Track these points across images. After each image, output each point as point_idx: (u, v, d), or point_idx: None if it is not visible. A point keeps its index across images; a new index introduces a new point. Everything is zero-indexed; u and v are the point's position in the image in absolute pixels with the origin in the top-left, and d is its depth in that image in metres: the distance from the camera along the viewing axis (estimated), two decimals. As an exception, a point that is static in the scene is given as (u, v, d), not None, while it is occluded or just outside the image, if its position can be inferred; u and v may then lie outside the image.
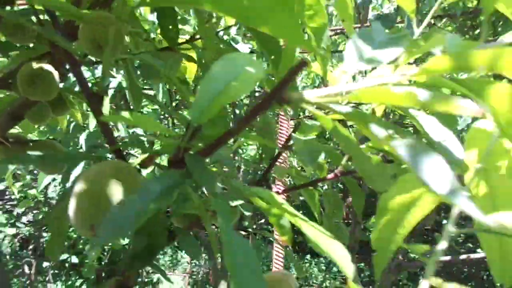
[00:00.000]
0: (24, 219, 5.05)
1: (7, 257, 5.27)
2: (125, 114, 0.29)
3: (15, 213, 4.86)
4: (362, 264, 4.52)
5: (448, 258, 1.90)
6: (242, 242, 0.31)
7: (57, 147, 0.64)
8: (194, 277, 6.21)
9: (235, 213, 0.68)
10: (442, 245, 0.31)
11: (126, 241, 3.89)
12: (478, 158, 0.49)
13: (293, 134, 0.65)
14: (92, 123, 1.57)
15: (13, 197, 4.66)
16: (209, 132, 0.34)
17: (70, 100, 0.85)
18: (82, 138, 1.60)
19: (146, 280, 5.42)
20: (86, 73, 1.79)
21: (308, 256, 6.35)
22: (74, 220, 0.34)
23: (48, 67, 0.57)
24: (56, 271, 5.07)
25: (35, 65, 0.56)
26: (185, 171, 0.32)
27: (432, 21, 2.44)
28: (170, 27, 0.61)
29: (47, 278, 5.02)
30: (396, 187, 0.41)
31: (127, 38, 1.03)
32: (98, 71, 1.76)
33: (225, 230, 0.30)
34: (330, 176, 0.66)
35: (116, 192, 0.33)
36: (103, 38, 0.51)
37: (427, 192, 0.43)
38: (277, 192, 0.69)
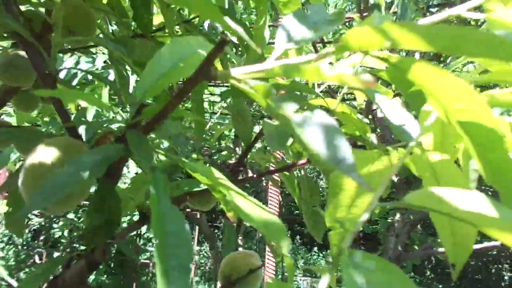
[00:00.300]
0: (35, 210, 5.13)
1: (19, 247, 5.38)
2: (60, 88, 0.31)
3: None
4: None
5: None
6: (175, 213, 0.33)
7: (36, 131, 0.67)
8: (202, 268, 6.27)
9: (212, 199, 0.69)
10: (364, 217, 0.32)
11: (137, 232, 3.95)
12: (434, 140, 0.49)
13: (265, 119, 0.66)
14: (91, 113, 1.60)
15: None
16: (148, 109, 0.35)
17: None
18: (82, 129, 1.62)
19: (154, 271, 5.50)
20: (87, 64, 1.82)
21: (315, 249, 6.36)
22: (22, 192, 0.36)
23: (23, 53, 0.59)
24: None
25: (11, 52, 0.58)
26: (124, 146, 0.33)
27: (435, 10, 2.42)
28: (145, 14, 0.62)
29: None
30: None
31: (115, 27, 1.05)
32: (98, 62, 1.79)
33: (157, 200, 0.32)
34: (302, 161, 0.67)
35: (61, 165, 0.35)
36: (72, 24, 0.52)
37: (375, 171, 0.44)
38: (252, 177, 0.70)
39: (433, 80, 0.32)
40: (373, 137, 0.64)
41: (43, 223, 5.19)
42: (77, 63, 1.78)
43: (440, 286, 4.02)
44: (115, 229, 0.44)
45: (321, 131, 0.24)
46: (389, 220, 2.98)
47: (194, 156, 0.82)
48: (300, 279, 5.97)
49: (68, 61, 1.76)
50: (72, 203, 0.38)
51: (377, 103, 0.57)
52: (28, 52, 0.42)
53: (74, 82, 1.68)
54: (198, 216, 3.17)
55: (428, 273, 4.27)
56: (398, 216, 2.45)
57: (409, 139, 0.50)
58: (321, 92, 0.77)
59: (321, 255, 6.06)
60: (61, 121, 0.41)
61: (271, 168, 1.05)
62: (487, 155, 0.35)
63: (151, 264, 5.34)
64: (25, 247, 5.45)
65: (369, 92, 0.60)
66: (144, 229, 4.63)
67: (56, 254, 5.15)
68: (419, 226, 3.26)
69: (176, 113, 0.34)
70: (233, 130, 3.16)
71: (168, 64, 0.38)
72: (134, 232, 3.97)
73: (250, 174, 0.73)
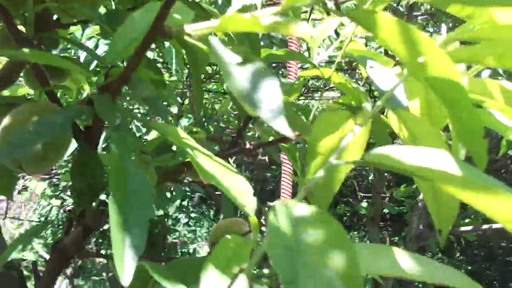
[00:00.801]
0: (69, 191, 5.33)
1: (56, 226, 5.63)
2: (26, 50, 0.32)
3: (61, 186, 5.16)
4: (396, 238, 4.47)
5: (469, 228, 1.85)
6: (138, 172, 0.33)
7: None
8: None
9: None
10: (320, 173, 0.32)
11: (161, 212, 4.05)
12: (420, 105, 0.48)
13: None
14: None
15: (59, 171, 4.94)
16: (114, 71, 0.36)
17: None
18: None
19: (183, 250, 5.63)
20: (105, 47, 1.85)
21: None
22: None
23: (22, 28, 0.60)
24: (100, 240, 5.36)
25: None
26: (91, 107, 0.34)
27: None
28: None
29: (90, 246, 5.32)
30: (319, 130, 0.42)
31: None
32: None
33: (119, 158, 0.33)
34: (297, 133, 0.66)
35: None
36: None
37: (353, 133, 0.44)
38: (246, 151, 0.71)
39: (395, 33, 0.31)
40: (368, 106, 0.62)
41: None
42: (96, 46, 1.81)
43: (469, 267, 3.94)
44: (99, 193, 0.46)
45: (249, 75, 0.23)
46: (415, 201, 2.93)
47: (194, 129, 0.83)
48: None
49: (87, 43, 1.80)
50: (46, 164, 0.40)
51: (367, 70, 0.56)
52: (7, 21, 0.43)
53: (92, 65, 1.72)
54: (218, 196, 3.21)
55: (458, 254, 4.18)
56: (422, 195, 2.41)
57: (398, 105, 0.49)
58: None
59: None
60: (41, 85, 0.42)
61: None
62: (457, 113, 0.34)
63: (179, 244, 5.46)
64: (61, 227, 5.69)
65: (361, 59, 0.59)
66: (172, 210, 4.75)
67: (89, 234, 5.34)
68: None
69: (141, 74, 0.35)
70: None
71: (140, 28, 0.39)
72: (162, 213, 4.07)
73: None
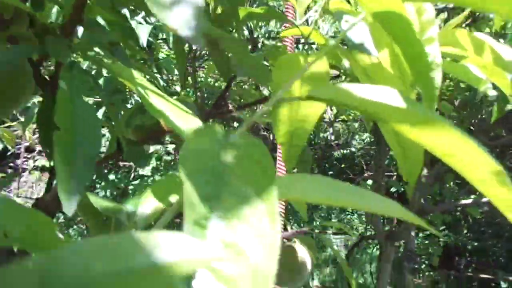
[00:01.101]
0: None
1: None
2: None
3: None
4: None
5: (469, 201, 1.84)
6: (87, 107, 0.34)
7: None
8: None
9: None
10: (264, 109, 0.32)
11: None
12: (389, 56, 0.47)
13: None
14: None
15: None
16: (66, 10, 0.36)
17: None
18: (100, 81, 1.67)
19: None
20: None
21: (350, 208, 6.33)
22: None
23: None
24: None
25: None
26: (42, 46, 0.35)
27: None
28: None
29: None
30: (278, 75, 0.42)
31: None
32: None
33: (67, 95, 0.33)
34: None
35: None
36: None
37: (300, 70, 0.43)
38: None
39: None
40: (346, 63, 0.62)
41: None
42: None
43: (476, 243, 3.93)
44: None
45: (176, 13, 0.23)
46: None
47: (182, 93, 0.83)
48: (335, 239, 6.01)
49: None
50: (5, 108, 0.41)
51: (341, 24, 0.55)
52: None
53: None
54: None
55: (465, 231, 4.17)
56: (425, 171, 2.40)
57: (367, 51, 0.48)
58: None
59: (355, 214, 6.06)
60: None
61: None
62: (405, 49, 0.33)
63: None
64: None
65: (337, 15, 0.58)
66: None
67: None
68: (452, 184, 3.18)
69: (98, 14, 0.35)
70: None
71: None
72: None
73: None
